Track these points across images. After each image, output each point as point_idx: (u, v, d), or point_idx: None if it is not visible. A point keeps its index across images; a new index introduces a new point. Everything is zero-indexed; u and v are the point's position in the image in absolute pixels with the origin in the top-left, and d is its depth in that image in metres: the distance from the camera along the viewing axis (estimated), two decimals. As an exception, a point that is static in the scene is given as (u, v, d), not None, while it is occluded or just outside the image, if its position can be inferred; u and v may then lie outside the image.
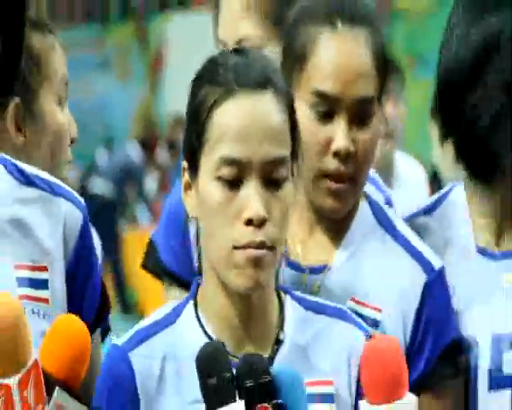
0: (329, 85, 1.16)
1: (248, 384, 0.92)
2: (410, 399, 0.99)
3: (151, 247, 1.43)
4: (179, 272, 1.36)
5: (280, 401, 0.93)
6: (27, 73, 1.18)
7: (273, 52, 1.31)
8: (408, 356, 1.10)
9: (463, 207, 1.31)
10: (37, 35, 1.24)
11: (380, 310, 1.18)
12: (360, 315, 1.14)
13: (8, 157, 1.10)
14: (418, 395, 1.03)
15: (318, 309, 1.08)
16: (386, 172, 3.02)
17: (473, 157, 1.26)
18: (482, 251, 1.29)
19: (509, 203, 1.29)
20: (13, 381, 0.91)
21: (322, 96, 1.17)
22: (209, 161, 0.99)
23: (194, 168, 1.02)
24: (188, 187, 1.04)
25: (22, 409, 0.92)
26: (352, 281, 1.20)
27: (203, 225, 1.03)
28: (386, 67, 1.21)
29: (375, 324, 1.17)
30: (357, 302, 1.18)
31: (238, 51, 1.07)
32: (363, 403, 1.00)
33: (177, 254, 1.37)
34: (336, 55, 1.18)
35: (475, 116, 1.24)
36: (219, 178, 0.97)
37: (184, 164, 1.04)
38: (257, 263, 0.97)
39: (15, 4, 1.03)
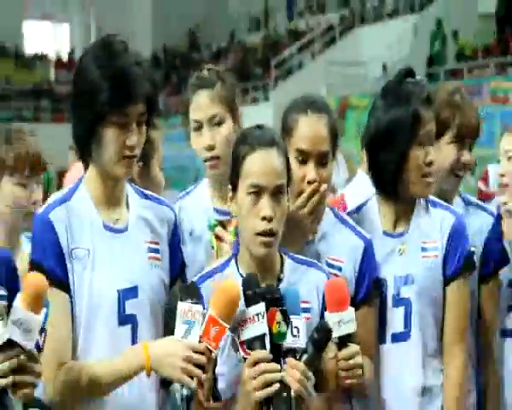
0: (305, 145, 2.25)
1: (268, 296, 1.88)
2: (350, 309, 2.03)
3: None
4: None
5: (284, 308, 1.89)
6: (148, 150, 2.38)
7: (230, 124, 2.59)
8: (356, 286, 2.25)
9: (374, 208, 2.53)
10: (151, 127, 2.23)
11: (342, 261, 2.31)
12: (332, 265, 2.28)
13: (135, 186, 2.27)
14: (360, 307, 2.18)
15: (302, 262, 2.16)
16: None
17: (381, 183, 2.44)
18: (385, 233, 2.48)
19: (400, 206, 2.46)
20: (227, 326, 1.90)
21: (301, 151, 2.24)
22: (243, 185, 1.98)
23: (234, 189, 2.02)
24: (231, 199, 2.05)
25: (215, 340, 1.88)
26: (327, 248, 2.32)
27: (240, 219, 2.03)
28: (335, 136, 2.33)
29: (340, 269, 2.30)
30: (331, 258, 2.30)
31: (258, 126, 2.10)
32: (326, 313, 2.04)
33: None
34: (308, 129, 2.28)
35: (383, 164, 2.40)
36: (249, 194, 1.97)
37: (229, 187, 2.05)
38: (266, 244, 1.97)
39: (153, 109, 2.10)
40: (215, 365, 2.01)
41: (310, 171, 2.19)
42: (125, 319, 2.07)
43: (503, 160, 2.84)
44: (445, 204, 2.57)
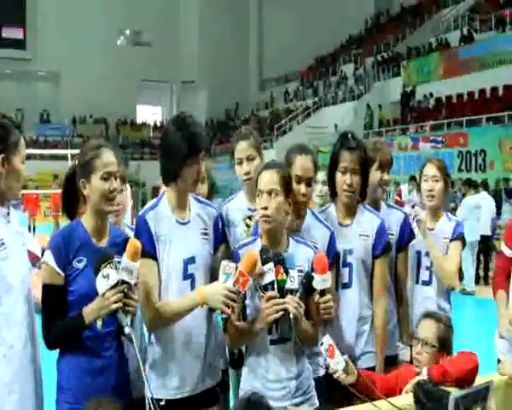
0: (300, 173, 2.88)
1: (275, 258, 2.49)
2: (328, 274, 2.58)
3: None
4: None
5: (284, 265, 2.50)
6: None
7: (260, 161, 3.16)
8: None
9: (333, 210, 3.17)
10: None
11: (317, 243, 2.88)
12: (316, 247, 2.77)
13: (194, 195, 2.79)
14: (330, 268, 2.65)
15: (300, 242, 2.72)
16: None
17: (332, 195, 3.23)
18: (340, 223, 3.12)
19: (346, 209, 3.15)
20: (251, 278, 2.50)
21: (298, 176, 2.86)
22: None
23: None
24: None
25: (242, 285, 2.45)
26: (308, 235, 2.91)
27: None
28: (316, 167, 2.97)
29: (316, 248, 2.78)
30: (312, 242, 2.81)
31: (270, 163, 2.72)
32: (313, 274, 2.57)
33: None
34: (301, 163, 2.90)
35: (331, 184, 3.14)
36: (257, 196, 2.63)
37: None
38: (264, 223, 2.60)
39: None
40: (244, 298, 2.59)
41: (302, 188, 2.91)
42: (187, 276, 2.67)
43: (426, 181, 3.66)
44: (374, 211, 3.27)
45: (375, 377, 2.81)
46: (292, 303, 2.47)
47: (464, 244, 3.67)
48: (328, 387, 2.84)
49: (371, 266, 3.15)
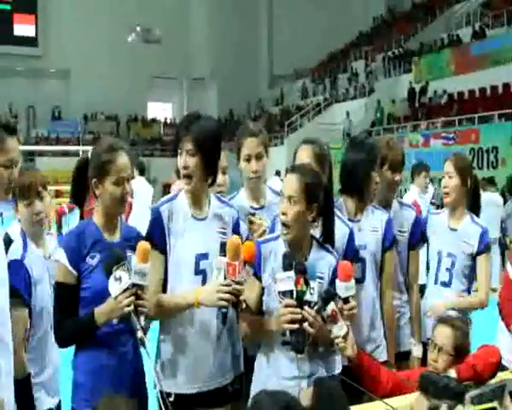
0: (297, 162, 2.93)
1: (297, 267, 2.42)
2: (353, 281, 2.53)
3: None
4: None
5: (306, 275, 2.41)
6: None
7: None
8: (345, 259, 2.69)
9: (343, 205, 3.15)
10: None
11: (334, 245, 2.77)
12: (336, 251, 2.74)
13: (216, 194, 2.84)
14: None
15: (324, 248, 2.68)
16: None
17: (349, 189, 3.13)
18: (350, 219, 3.08)
19: (358, 204, 3.14)
20: (237, 263, 2.42)
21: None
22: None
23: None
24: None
25: (233, 274, 2.42)
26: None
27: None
28: (316, 155, 3.03)
29: (336, 251, 2.75)
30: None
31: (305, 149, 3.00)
32: (337, 281, 2.53)
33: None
34: (300, 153, 3.09)
35: (354, 180, 3.06)
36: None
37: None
38: (283, 232, 2.62)
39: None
40: (262, 294, 2.66)
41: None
42: (199, 271, 2.66)
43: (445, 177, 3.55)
44: (382, 209, 3.30)
45: (380, 368, 2.80)
46: (309, 319, 2.45)
47: (489, 251, 3.60)
48: (342, 388, 2.77)
49: (380, 260, 3.21)
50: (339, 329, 2.53)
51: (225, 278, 2.44)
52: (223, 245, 2.48)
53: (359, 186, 3.17)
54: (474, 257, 3.55)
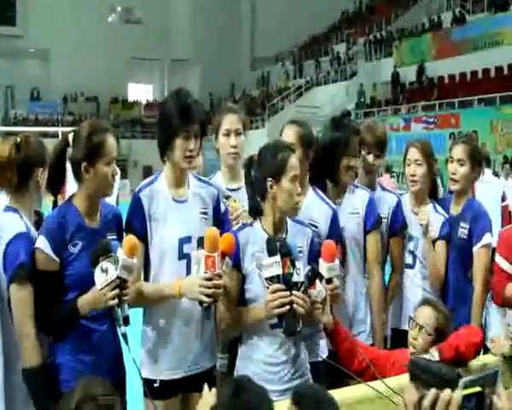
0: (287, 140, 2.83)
1: (282, 250, 2.41)
2: (337, 262, 2.55)
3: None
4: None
5: (292, 257, 2.40)
6: None
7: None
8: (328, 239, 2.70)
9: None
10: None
11: (317, 223, 2.89)
12: (313, 225, 2.80)
13: (194, 173, 2.80)
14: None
15: (298, 222, 2.66)
16: None
17: (327, 173, 3.10)
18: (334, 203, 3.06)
19: (338, 188, 3.14)
20: (216, 254, 2.36)
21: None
22: (287, 176, 2.53)
23: (277, 181, 2.52)
24: (271, 187, 2.52)
25: (212, 267, 2.35)
26: (309, 214, 2.88)
27: (284, 197, 2.54)
28: (301, 137, 3.01)
29: (316, 227, 2.82)
30: (311, 220, 2.83)
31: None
32: (321, 260, 2.51)
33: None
34: (285, 132, 3.02)
35: (327, 163, 3.10)
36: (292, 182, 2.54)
37: (271, 179, 2.52)
38: (297, 209, 2.67)
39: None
40: (244, 282, 2.59)
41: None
42: (183, 256, 2.63)
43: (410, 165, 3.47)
44: (365, 188, 3.30)
45: (355, 342, 2.77)
46: (299, 301, 2.42)
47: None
48: (327, 372, 2.81)
49: (363, 242, 3.19)
50: (317, 292, 2.52)
51: (205, 271, 2.41)
52: (200, 239, 2.47)
53: (328, 169, 3.17)
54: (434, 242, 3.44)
